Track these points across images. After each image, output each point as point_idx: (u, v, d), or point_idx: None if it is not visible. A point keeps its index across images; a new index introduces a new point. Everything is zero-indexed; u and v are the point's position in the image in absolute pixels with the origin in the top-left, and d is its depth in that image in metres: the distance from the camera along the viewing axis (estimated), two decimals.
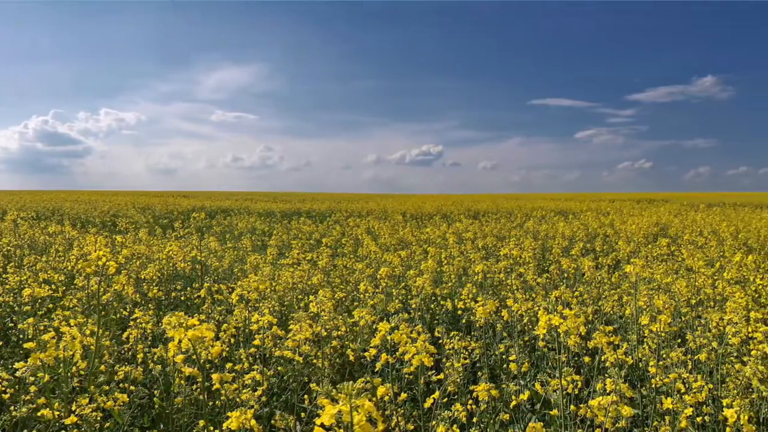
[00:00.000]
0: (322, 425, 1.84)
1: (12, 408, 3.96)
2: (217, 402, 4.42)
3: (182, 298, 8.46)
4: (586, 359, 5.27)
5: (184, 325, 2.85)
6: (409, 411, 4.64)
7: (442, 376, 4.58)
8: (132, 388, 4.90)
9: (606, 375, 3.61)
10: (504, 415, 4.63)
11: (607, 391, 3.42)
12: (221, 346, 3.04)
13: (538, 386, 4.18)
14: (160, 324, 5.40)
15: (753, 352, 4.42)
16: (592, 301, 7.40)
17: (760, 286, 6.88)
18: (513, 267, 8.73)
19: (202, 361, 2.93)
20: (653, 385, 4.42)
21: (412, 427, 4.33)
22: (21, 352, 5.86)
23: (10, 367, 4.43)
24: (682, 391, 4.15)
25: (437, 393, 4.15)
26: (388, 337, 3.78)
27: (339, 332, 5.73)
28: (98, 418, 3.96)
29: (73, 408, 3.91)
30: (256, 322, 5.17)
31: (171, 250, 10.14)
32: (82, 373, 4.16)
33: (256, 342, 5.11)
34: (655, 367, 4.39)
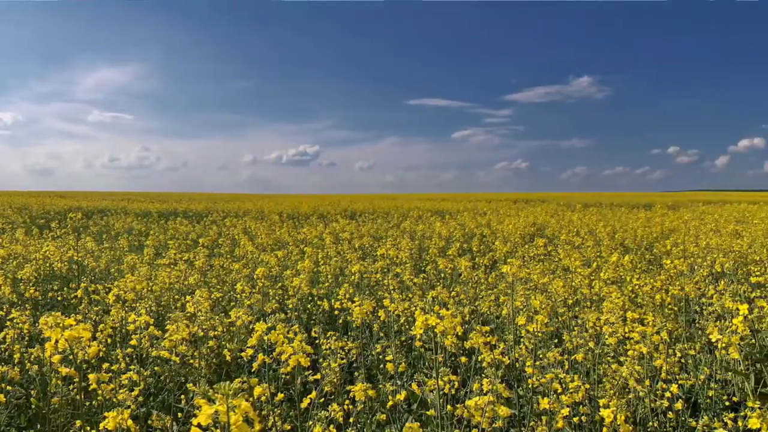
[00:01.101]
0: (198, 425, 1.95)
1: None
2: (94, 402, 4.62)
3: (59, 298, 8.99)
4: (463, 359, 5.62)
5: (60, 325, 2.98)
6: (285, 411, 4.87)
7: (319, 376, 4.89)
8: (9, 388, 5.05)
9: (483, 375, 3.87)
10: (381, 415, 4.95)
11: (484, 392, 3.68)
12: (98, 346, 3.27)
13: (414, 386, 4.47)
14: (36, 324, 5.43)
15: (630, 353, 4.82)
16: (469, 301, 7.89)
17: (637, 287, 7.41)
18: (390, 267, 9.20)
19: (78, 361, 3.04)
20: (530, 385, 4.77)
21: (288, 427, 4.59)
22: None
23: None
24: (559, 391, 4.49)
25: (314, 393, 4.41)
26: (265, 338, 4.11)
27: (216, 332, 6.02)
28: None
29: None
30: (133, 322, 5.45)
31: (48, 250, 10.70)
32: None
33: (133, 342, 5.37)
34: (531, 367, 4.73)
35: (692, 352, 5.91)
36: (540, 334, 5.35)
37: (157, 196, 60.32)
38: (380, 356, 6.36)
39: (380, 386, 5.31)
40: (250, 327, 5.16)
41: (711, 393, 5.40)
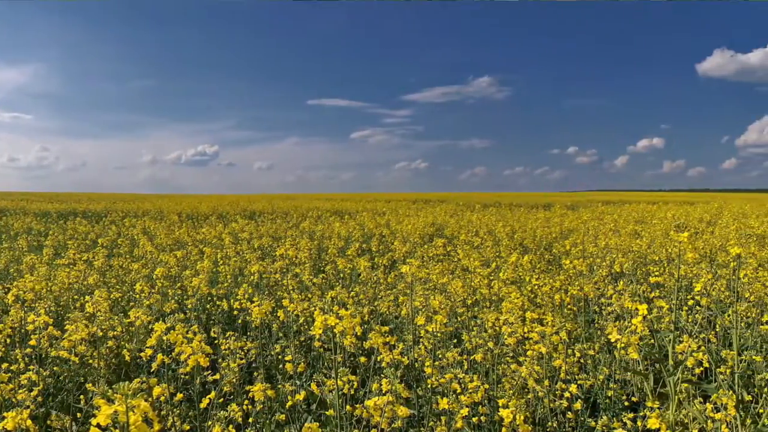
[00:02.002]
0: (98, 425, 1.99)
1: None
2: None
3: None
4: (362, 359, 5.74)
5: None
6: (185, 411, 4.88)
7: (218, 376, 5.01)
8: None
9: (382, 375, 3.92)
10: (280, 415, 5.06)
11: (383, 392, 3.74)
12: None
13: (314, 386, 4.55)
14: None
15: (529, 353, 4.99)
16: (368, 302, 8.06)
17: (536, 287, 7.60)
18: (289, 267, 9.36)
19: None
20: (429, 386, 4.87)
21: (188, 428, 4.61)
22: None
23: None
24: (458, 391, 4.60)
25: (213, 393, 4.47)
26: (164, 338, 4.16)
27: (115, 332, 6.17)
28: None
29: None
30: (32, 322, 5.58)
31: None
32: None
33: (32, 342, 5.52)
34: (431, 368, 4.83)
35: (591, 352, 6.08)
36: (439, 334, 5.48)
37: (56, 197, 60.09)
38: (279, 356, 6.50)
39: (279, 386, 5.41)
40: (150, 327, 5.23)
41: (610, 393, 5.64)
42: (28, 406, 4.28)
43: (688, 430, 3.79)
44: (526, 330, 5.41)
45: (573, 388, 4.98)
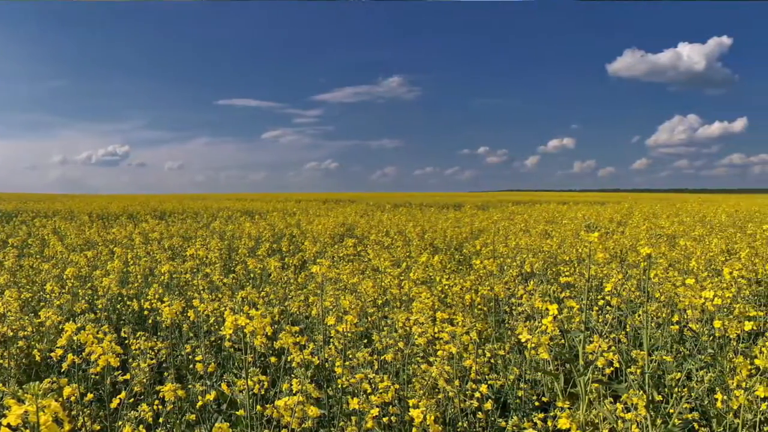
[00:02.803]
0: (8, 426, 2.00)
1: None
2: None
3: None
4: (273, 359, 5.75)
5: None
6: (95, 411, 4.86)
7: (128, 376, 5.04)
8: None
9: (292, 375, 3.94)
10: (190, 415, 5.10)
11: (294, 392, 3.75)
12: None
13: (224, 386, 4.54)
14: None
15: (439, 353, 5.03)
16: (279, 302, 8.09)
17: (447, 287, 7.68)
18: (199, 267, 9.32)
19: None
20: (340, 386, 4.91)
21: (98, 428, 4.62)
22: None
23: None
24: (369, 391, 4.65)
25: (123, 393, 4.50)
26: (75, 338, 4.19)
27: (25, 332, 6.23)
28: None
29: None
30: None
31: None
32: None
33: None
34: (341, 368, 4.86)
35: (502, 353, 6.17)
36: (350, 334, 5.51)
37: None
38: (190, 356, 6.56)
39: (190, 386, 5.45)
40: (60, 327, 5.27)
41: (520, 393, 5.73)
42: None
43: (598, 430, 3.87)
44: (436, 330, 5.46)
45: (483, 388, 5.03)
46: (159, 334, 7.49)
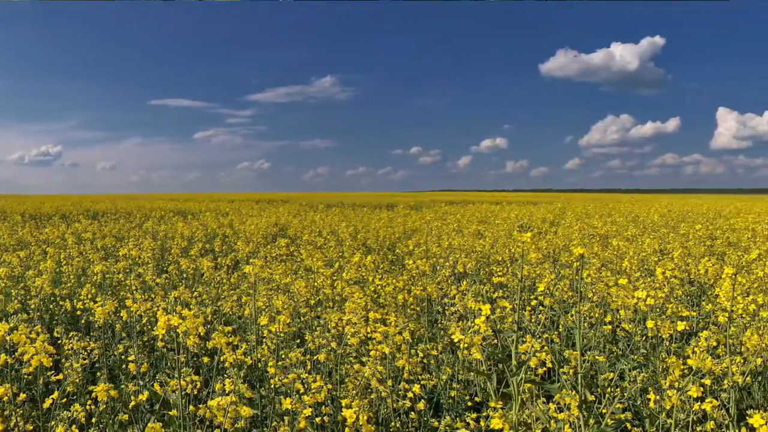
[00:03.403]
0: None
1: None
2: None
3: None
4: (206, 359, 5.73)
5: None
6: (28, 411, 4.82)
7: (61, 376, 5.04)
8: None
9: (225, 375, 3.92)
10: (123, 415, 5.07)
11: (227, 392, 3.75)
12: None
13: (157, 386, 4.49)
14: None
15: (372, 353, 5.05)
16: (212, 302, 8.05)
17: (379, 287, 7.71)
18: (132, 267, 9.21)
19: None
20: (272, 386, 4.89)
21: (31, 428, 4.59)
22: None
23: None
24: (301, 391, 4.64)
25: (56, 393, 4.48)
26: (7, 338, 4.15)
27: None
28: None
29: None
30: None
31: None
32: None
33: None
34: (274, 368, 4.85)
35: (435, 353, 6.18)
36: (282, 334, 5.51)
37: None
38: (123, 356, 6.55)
39: (123, 386, 5.40)
40: None
41: (453, 393, 5.77)
42: None
43: (531, 430, 3.89)
44: (369, 330, 5.47)
45: (416, 388, 5.05)
46: (92, 334, 7.39)
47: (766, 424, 2.95)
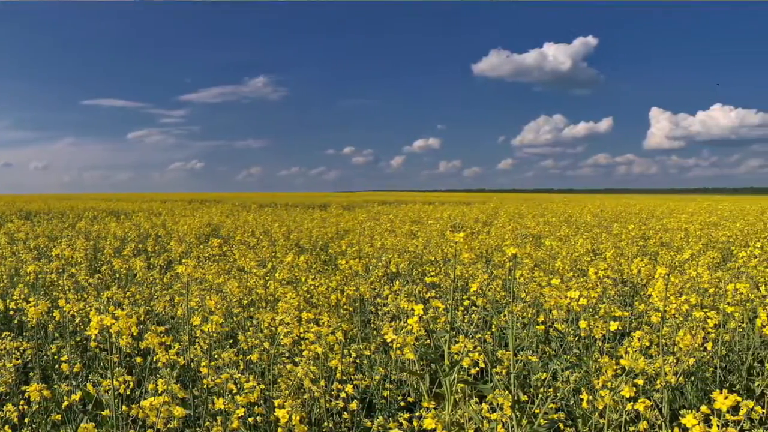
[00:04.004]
0: None
1: None
2: None
3: None
4: (138, 359, 5.65)
5: None
6: None
7: None
8: None
9: (158, 375, 3.90)
10: (56, 415, 4.97)
11: (159, 392, 3.73)
12: None
13: (90, 387, 4.46)
14: None
15: (305, 353, 5.04)
16: (144, 302, 7.96)
17: (312, 287, 7.71)
18: (65, 267, 9.06)
19: None
20: (205, 386, 4.87)
21: None
22: None
23: None
24: (234, 391, 4.65)
25: None
26: None
27: None
28: None
29: None
30: None
31: None
32: None
33: None
34: (207, 368, 4.83)
35: (367, 353, 6.21)
36: (215, 335, 5.48)
37: None
38: (55, 356, 6.49)
39: (55, 386, 5.33)
40: None
41: (386, 393, 5.75)
42: None
43: (463, 430, 3.91)
44: (302, 330, 5.45)
45: (349, 388, 5.06)
46: (24, 334, 7.33)
47: (698, 424, 2.95)
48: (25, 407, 4.61)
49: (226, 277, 8.30)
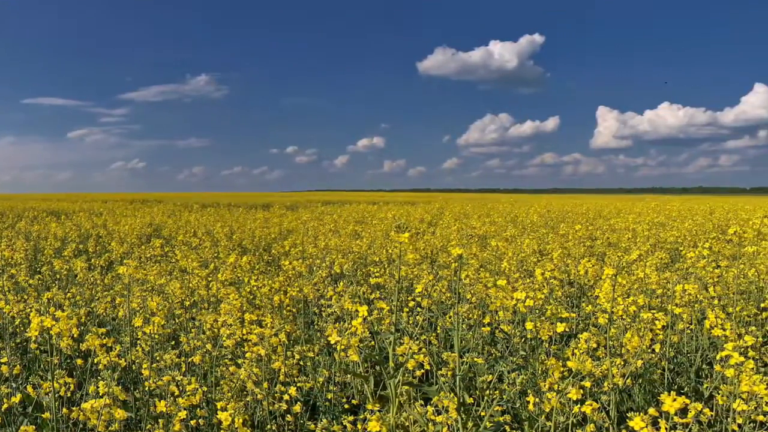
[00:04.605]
0: None
1: None
2: None
3: None
4: (79, 361, 5.56)
5: None
6: None
7: None
8: None
9: (99, 377, 3.85)
10: None
11: (100, 394, 3.68)
12: None
13: (30, 389, 4.37)
14: None
15: (248, 355, 5.04)
16: (85, 303, 7.81)
17: (255, 288, 7.66)
18: (5, 268, 8.79)
19: None
20: (147, 388, 4.82)
21: None
22: None
23: None
24: (176, 393, 4.60)
25: None
26: None
27: None
28: None
29: None
30: None
31: None
32: None
33: None
34: (148, 370, 4.78)
35: (311, 354, 6.15)
36: (157, 336, 5.42)
37: None
38: None
39: None
40: None
41: (330, 396, 5.74)
42: None
43: None
44: (245, 332, 5.44)
45: (292, 390, 5.04)
46: None
47: (646, 426, 2.96)
48: None
49: (168, 278, 8.24)
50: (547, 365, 4.26)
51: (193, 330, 6.27)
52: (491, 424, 4.05)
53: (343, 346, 3.92)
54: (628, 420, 3.11)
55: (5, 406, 4.72)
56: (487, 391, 4.58)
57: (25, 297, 7.60)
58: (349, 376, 6.08)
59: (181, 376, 4.77)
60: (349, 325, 3.84)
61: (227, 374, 5.20)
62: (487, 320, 6.38)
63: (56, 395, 3.94)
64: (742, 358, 3.97)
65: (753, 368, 3.97)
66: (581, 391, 3.95)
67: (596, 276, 7.14)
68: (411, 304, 6.95)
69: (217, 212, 28.43)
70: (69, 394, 4.43)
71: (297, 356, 5.60)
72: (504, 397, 4.67)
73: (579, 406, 4.06)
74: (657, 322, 5.02)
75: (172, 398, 4.52)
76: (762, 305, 6.94)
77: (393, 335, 3.89)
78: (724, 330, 4.89)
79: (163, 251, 11.82)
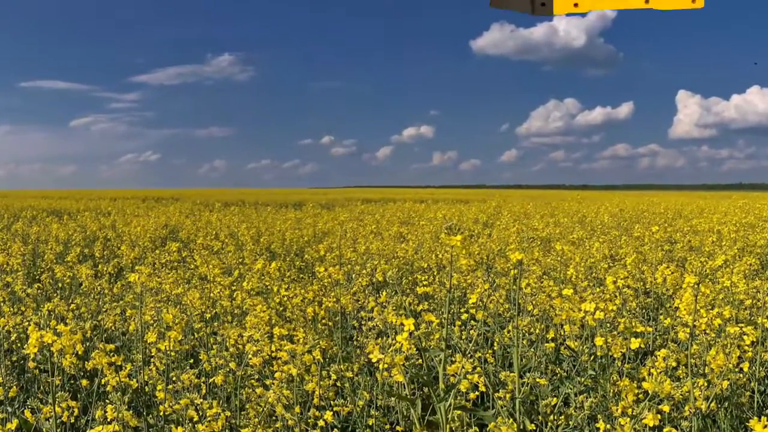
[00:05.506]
0: None
1: None
2: None
3: None
4: (84, 382, 5.59)
5: None
6: None
7: None
8: None
9: (107, 401, 3.87)
10: None
11: (108, 420, 3.69)
12: None
13: (28, 413, 4.38)
14: None
15: (277, 375, 5.04)
16: (91, 315, 7.91)
17: (286, 298, 7.68)
18: None
19: None
20: (162, 413, 4.84)
21: None
22: None
23: None
24: (195, 419, 4.62)
25: None
26: None
27: None
28: None
29: None
30: None
31: None
32: None
33: None
34: (163, 392, 4.80)
35: (349, 374, 6.13)
36: (173, 353, 5.45)
37: None
38: None
39: None
40: None
41: (371, 422, 5.70)
42: None
43: None
44: (273, 348, 5.45)
45: (328, 415, 5.03)
46: None
47: None
48: None
49: (185, 286, 8.28)
50: (619, 387, 4.20)
51: (214, 346, 6.30)
52: None
53: (386, 365, 3.89)
54: None
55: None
56: (551, 417, 4.51)
57: (23, 309, 7.68)
58: (393, 399, 6.05)
59: (201, 399, 4.79)
60: (393, 341, 3.82)
61: (254, 397, 5.21)
62: (551, 335, 6.32)
63: (58, 421, 3.98)
64: None
65: None
66: (659, 416, 3.87)
67: (676, 285, 7.05)
68: (464, 316, 6.86)
69: (241, 212, 28.68)
70: (72, 420, 4.46)
71: (333, 376, 5.58)
72: (570, 423, 4.61)
73: None
74: (745, 337, 4.94)
75: (190, 424, 4.54)
76: None
77: (443, 352, 3.87)
78: None
79: (181, 256, 11.92)
